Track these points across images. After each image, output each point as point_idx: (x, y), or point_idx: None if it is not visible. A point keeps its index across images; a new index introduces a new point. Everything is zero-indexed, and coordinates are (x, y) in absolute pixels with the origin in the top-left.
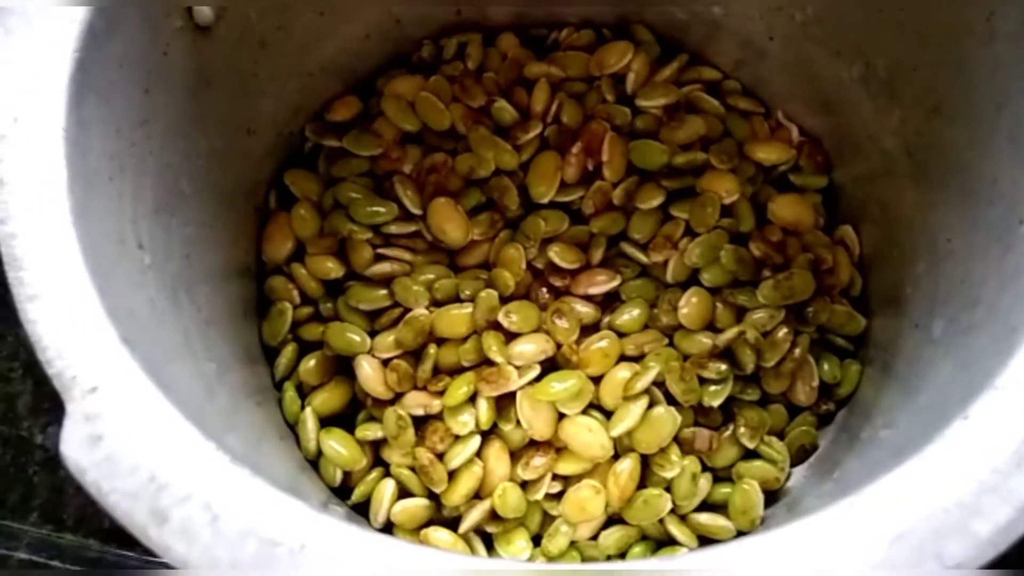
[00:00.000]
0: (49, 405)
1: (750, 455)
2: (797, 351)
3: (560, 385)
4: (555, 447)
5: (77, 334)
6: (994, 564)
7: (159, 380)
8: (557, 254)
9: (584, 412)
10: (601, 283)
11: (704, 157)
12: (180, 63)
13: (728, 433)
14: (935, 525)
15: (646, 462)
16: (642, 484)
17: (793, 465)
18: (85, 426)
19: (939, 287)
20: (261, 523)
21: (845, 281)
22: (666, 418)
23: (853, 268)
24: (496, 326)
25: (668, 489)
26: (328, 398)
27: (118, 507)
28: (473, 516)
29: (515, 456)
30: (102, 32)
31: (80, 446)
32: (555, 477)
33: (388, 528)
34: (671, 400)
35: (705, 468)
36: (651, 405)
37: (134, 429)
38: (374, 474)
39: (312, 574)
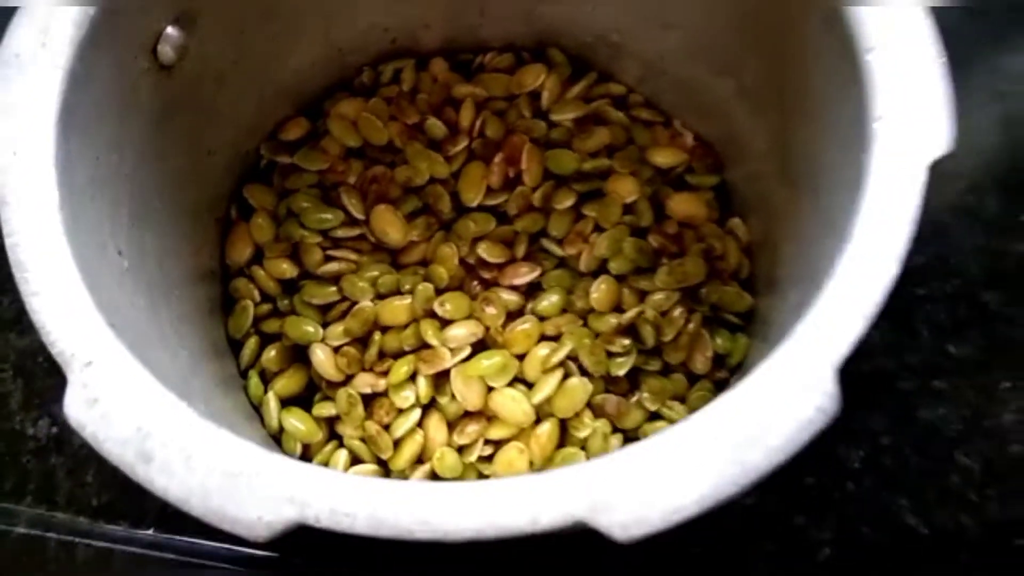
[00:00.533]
0: (39, 401)
1: (655, 417)
2: (691, 326)
3: (488, 362)
4: (486, 416)
5: (73, 320)
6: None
7: (141, 358)
8: (486, 251)
9: (509, 385)
10: (524, 275)
11: (608, 164)
12: (147, 98)
13: (635, 399)
14: (738, 439)
15: (564, 426)
16: (561, 444)
17: None
18: (83, 392)
19: (797, 267)
20: (224, 460)
21: (734, 265)
22: (579, 387)
23: (741, 254)
24: (432, 314)
25: (583, 448)
26: (288, 382)
27: (112, 452)
28: (415, 477)
29: (452, 426)
30: (82, 76)
31: (80, 407)
32: (487, 442)
33: None
34: (584, 372)
35: (616, 430)
36: (566, 376)
37: (123, 393)
38: (329, 446)
39: (265, 495)
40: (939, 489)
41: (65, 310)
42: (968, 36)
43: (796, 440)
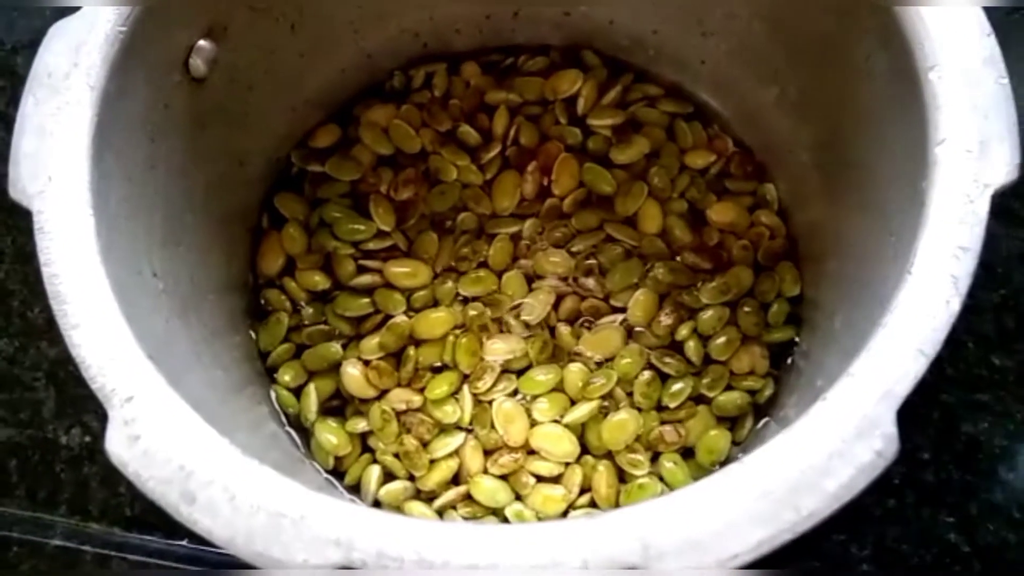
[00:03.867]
0: (71, 410)
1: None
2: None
3: (544, 376)
4: (525, 449)
5: (113, 354)
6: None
7: (179, 388)
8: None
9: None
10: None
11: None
12: (179, 112)
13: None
14: (794, 484)
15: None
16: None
17: None
18: (125, 428)
19: (842, 284)
20: (269, 500)
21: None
22: (628, 420)
23: (777, 218)
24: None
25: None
26: (320, 384)
27: (155, 491)
28: (447, 497)
29: (488, 453)
30: (114, 95)
31: (121, 444)
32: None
33: (376, 505)
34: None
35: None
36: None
37: (164, 429)
38: (362, 460)
39: (310, 537)
40: (982, 505)
41: (105, 343)
42: (1013, 36)
43: (854, 486)
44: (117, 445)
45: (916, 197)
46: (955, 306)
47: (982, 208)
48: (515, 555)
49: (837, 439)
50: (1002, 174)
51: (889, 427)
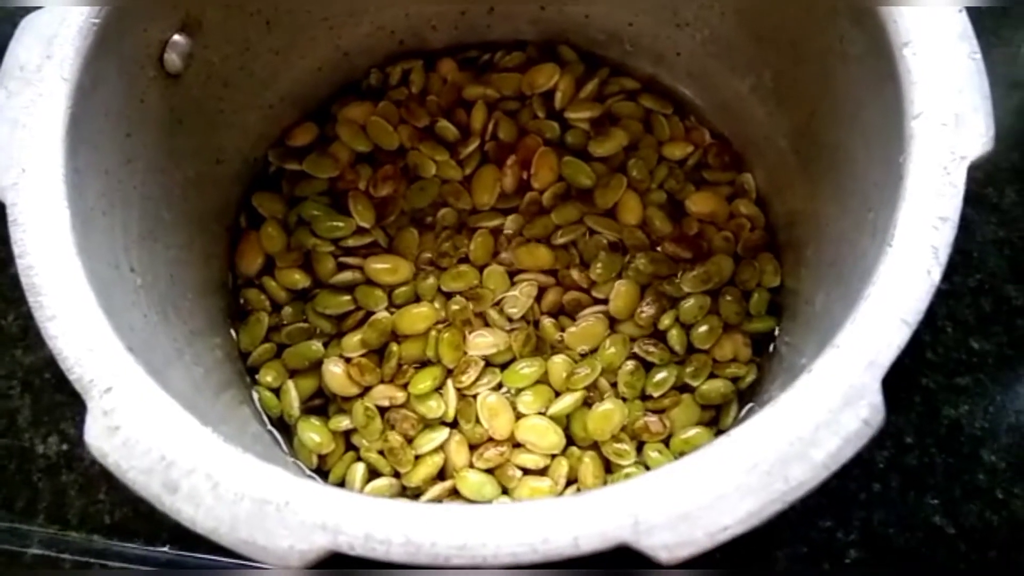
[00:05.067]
0: (48, 418)
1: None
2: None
3: (528, 369)
4: (511, 443)
5: (91, 345)
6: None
7: (160, 381)
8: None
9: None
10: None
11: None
12: (155, 108)
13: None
14: (781, 455)
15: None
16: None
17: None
18: (104, 419)
19: (821, 267)
20: (252, 487)
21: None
22: (614, 410)
23: (755, 206)
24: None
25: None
26: (302, 382)
27: (136, 481)
28: (433, 492)
29: (473, 448)
30: (89, 87)
31: (101, 435)
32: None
33: None
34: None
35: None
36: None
37: (144, 419)
38: (346, 458)
39: (296, 523)
40: (965, 487)
41: (82, 335)
42: (986, 25)
43: (842, 455)
44: (96, 437)
45: (894, 172)
46: (936, 275)
47: (959, 179)
48: (505, 534)
49: (824, 409)
50: (977, 145)
51: (875, 396)
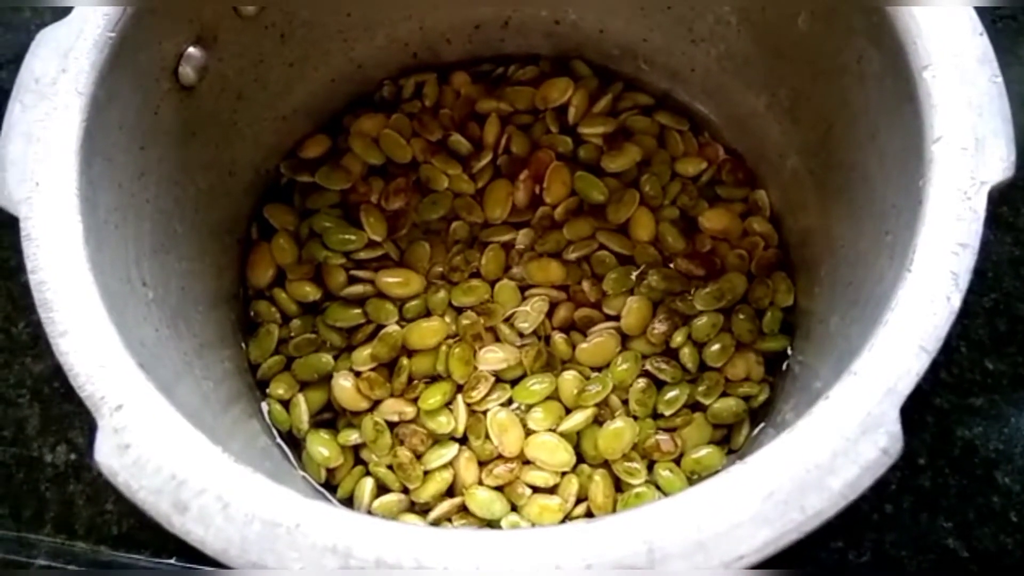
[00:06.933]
0: (56, 427)
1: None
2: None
3: (539, 386)
4: (520, 460)
5: (102, 362)
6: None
7: (170, 397)
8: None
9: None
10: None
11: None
12: (169, 120)
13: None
14: (798, 483)
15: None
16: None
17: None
18: (114, 437)
19: (836, 287)
20: (263, 509)
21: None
22: (625, 428)
23: (769, 224)
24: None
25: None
26: (312, 395)
27: (146, 501)
28: (441, 509)
29: (482, 464)
30: (103, 101)
31: (111, 453)
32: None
33: None
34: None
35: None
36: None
37: (155, 438)
38: (355, 472)
39: (306, 546)
40: (979, 510)
41: (93, 351)
42: (1000, 42)
43: (860, 484)
44: (106, 455)
45: (913, 195)
46: (956, 302)
47: (979, 205)
48: (516, 559)
49: (841, 437)
50: (998, 170)
51: (893, 425)
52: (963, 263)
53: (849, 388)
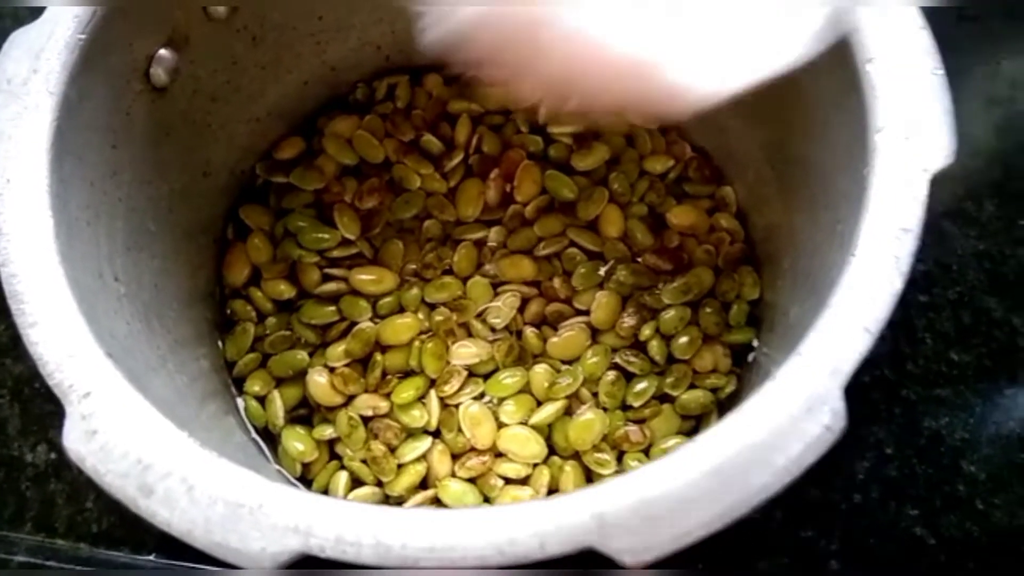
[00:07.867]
0: (36, 427)
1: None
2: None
3: (511, 380)
4: (493, 452)
5: (71, 351)
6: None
7: (141, 389)
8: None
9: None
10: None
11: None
12: (141, 121)
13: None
14: (745, 460)
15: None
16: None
17: None
18: (82, 423)
19: (796, 279)
20: (226, 490)
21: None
22: (595, 419)
23: (735, 220)
24: (450, 333)
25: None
26: (287, 392)
27: (113, 485)
28: (416, 501)
29: (455, 457)
30: (75, 101)
31: (79, 439)
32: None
33: None
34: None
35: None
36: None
37: (121, 424)
38: (330, 467)
39: (268, 526)
40: (945, 498)
41: (63, 341)
42: (964, 42)
43: (803, 460)
44: (74, 440)
45: (858, 183)
46: (897, 284)
47: (921, 191)
48: (472, 537)
49: (787, 415)
50: (939, 158)
51: (837, 402)
52: (905, 247)
53: (794, 368)
